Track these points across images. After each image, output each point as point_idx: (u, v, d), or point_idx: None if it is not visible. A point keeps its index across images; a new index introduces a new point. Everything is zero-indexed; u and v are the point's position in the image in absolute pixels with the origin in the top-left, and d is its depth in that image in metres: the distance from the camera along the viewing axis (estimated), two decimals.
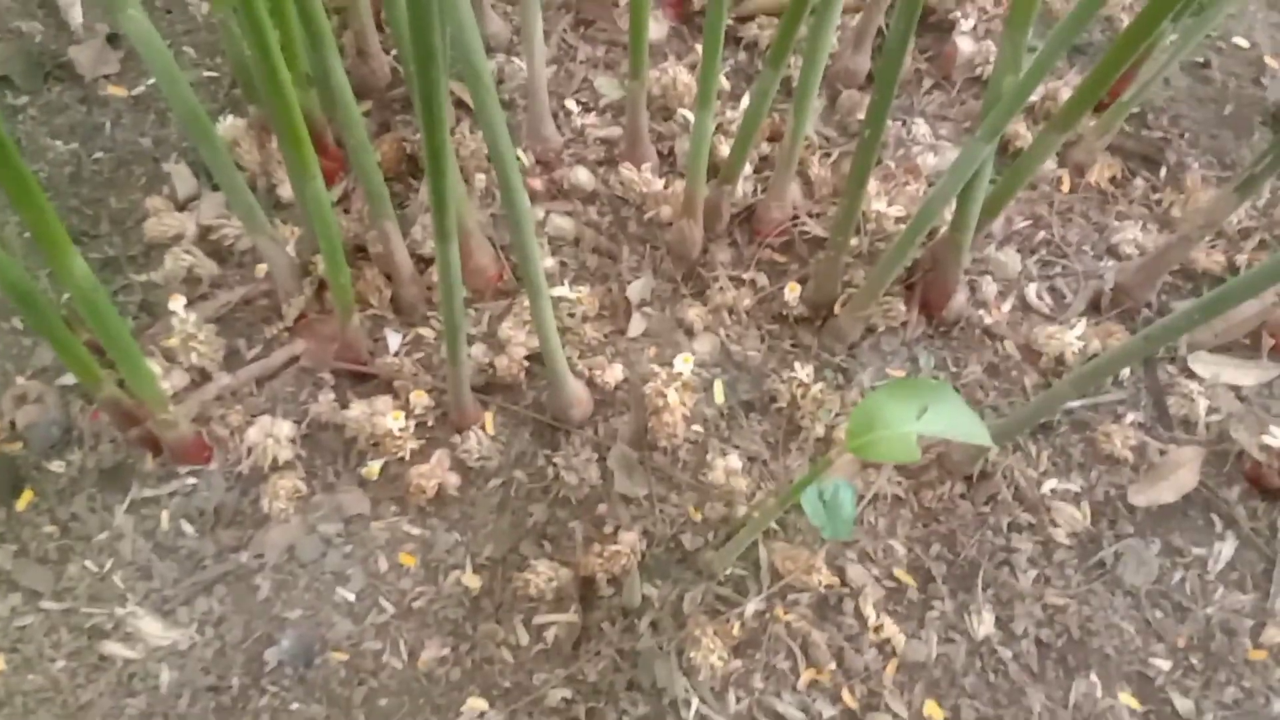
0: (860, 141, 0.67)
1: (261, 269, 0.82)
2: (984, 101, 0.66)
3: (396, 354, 0.79)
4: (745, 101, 0.92)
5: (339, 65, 0.68)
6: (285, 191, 0.87)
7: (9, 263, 0.61)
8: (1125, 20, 0.99)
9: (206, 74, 0.97)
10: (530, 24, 0.81)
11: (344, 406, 0.76)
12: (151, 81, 0.96)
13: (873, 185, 0.84)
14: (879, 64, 0.89)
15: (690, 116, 0.91)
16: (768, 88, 0.72)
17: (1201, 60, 1.00)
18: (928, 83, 0.96)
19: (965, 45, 0.94)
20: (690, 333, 0.82)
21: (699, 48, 0.96)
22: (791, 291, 0.81)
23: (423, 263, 0.82)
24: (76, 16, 1.01)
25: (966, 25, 0.96)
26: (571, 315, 0.80)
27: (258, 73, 0.63)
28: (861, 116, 0.92)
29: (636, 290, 0.83)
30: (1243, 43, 1.02)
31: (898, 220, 0.82)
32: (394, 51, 0.93)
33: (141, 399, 0.69)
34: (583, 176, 0.88)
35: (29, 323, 0.76)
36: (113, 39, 0.99)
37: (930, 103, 0.95)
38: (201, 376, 0.77)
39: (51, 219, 0.58)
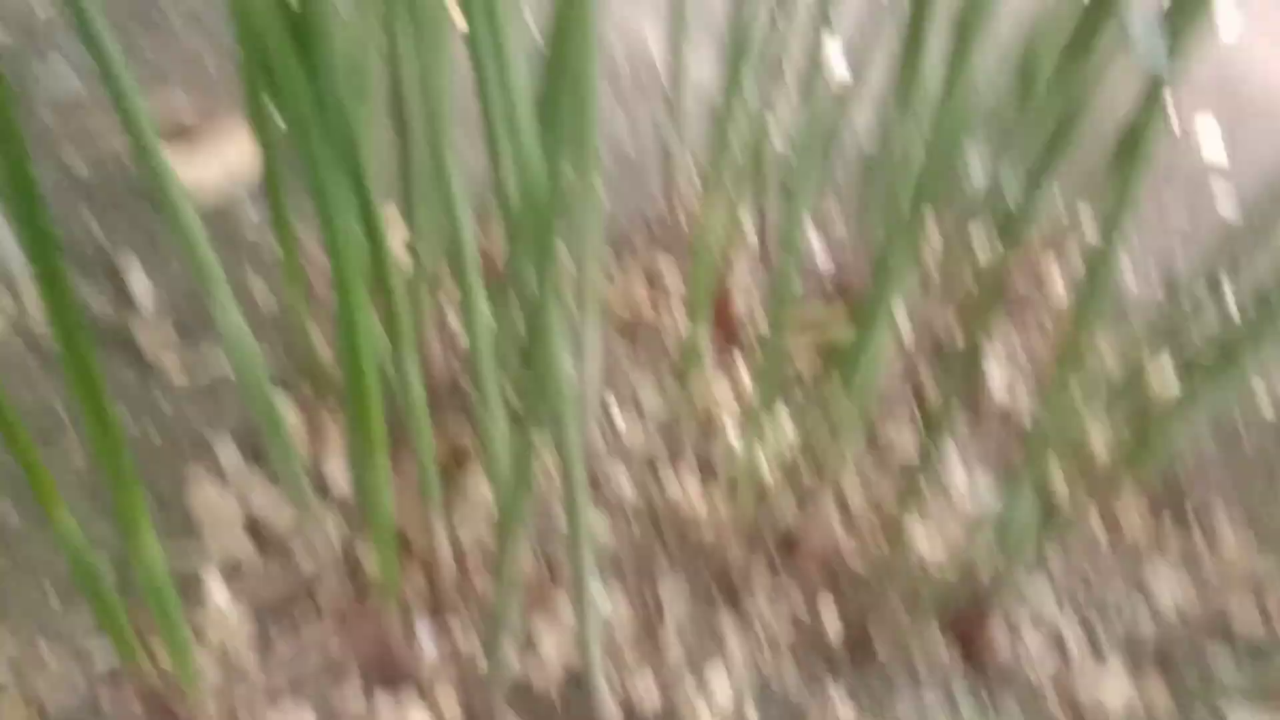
0: (906, 481, 0.75)
1: (302, 553, 0.88)
2: (1027, 449, 0.75)
3: (428, 649, 0.84)
4: (782, 414, 1.01)
5: (416, 366, 0.77)
6: (331, 472, 0.94)
7: (77, 534, 0.67)
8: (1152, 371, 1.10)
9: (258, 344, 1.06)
10: (587, 329, 0.91)
11: (371, 700, 0.80)
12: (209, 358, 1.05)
13: (908, 513, 0.91)
14: (929, 411, 0.99)
15: (731, 428, 1.00)
16: (814, 419, 0.81)
17: (1230, 413, 1.10)
18: (957, 412, 1.05)
19: (996, 381, 1.05)
20: (724, 650, 0.86)
21: (741, 361, 1.06)
22: (828, 617, 0.86)
23: (462, 556, 0.88)
24: (141, 288, 1.12)
25: (997, 360, 1.06)
26: (605, 619, 0.85)
27: (343, 368, 0.71)
28: (897, 447, 1.01)
29: (671, 599, 0.88)
30: (1267, 396, 1.12)
31: (936, 553, 0.89)
32: (448, 336, 1.03)
33: (176, 681, 0.73)
34: (623, 479, 0.96)
35: (82, 591, 0.80)
36: (174, 313, 1.10)
37: (962, 434, 1.03)
38: (232, 658, 0.82)
39: (136, 495, 0.65)
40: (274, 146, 0.83)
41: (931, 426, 0.72)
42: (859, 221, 1.11)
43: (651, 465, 0.98)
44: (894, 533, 0.79)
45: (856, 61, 0.96)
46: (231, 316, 0.72)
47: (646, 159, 1.33)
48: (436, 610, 0.86)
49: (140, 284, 1.12)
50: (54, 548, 0.88)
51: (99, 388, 0.60)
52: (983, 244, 1.12)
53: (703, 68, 1.42)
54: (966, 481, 0.99)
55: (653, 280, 1.16)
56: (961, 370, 0.69)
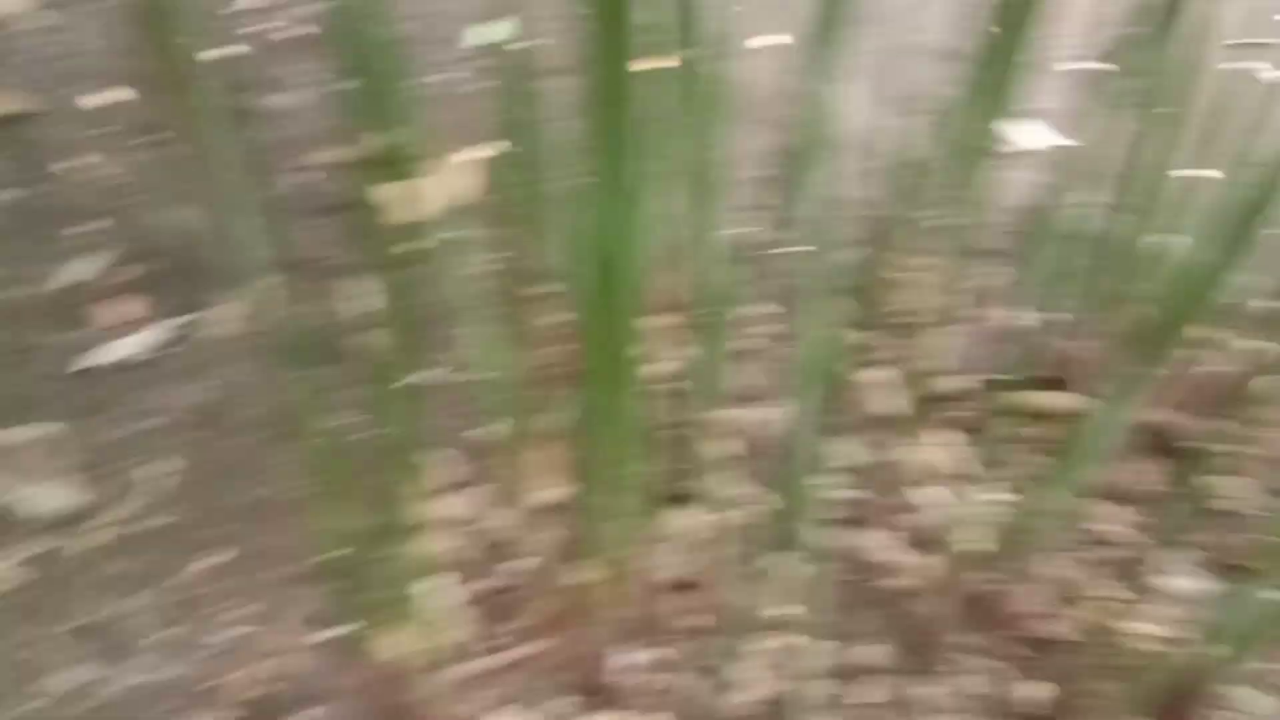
0: (1122, 565, 0.76)
1: (520, 564, 0.94)
2: (1259, 552, 0.75)
3: (636, 671, 0.88)
4: (993, 484, 1.03)
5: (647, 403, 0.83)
6: (548, 482, 1.00)
7: (338, 524, 0.75)
8: None
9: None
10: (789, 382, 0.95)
11: (577, 710, 0.85)
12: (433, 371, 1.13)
13: (1120, 597, 0.92)
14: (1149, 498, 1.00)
15: (931, 493, 1.03)
16: (1028, 494, 0.83)
17: None
18: (1183, 504, 1.05)
19: (1218, 477, 1.04)
20: (920, 711, 0.88)
21: (948, 426, 1.09)
22: (1025, 688, 0.87)
23: (665, 586, 0.93)
24: (370, 308, 1.21)
25: (1220, 455, 1.06)
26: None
27: (593, 403, 0.77)
28: (1109, 526, 1.01)
29: (866, 655, 0.91)
30: None
31: (1146, 640, 0.89)
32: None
33: (403, 665, 0.80)
34: (816, 533, 0.99)
35: (332, 576, 0.88)
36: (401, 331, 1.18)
37: (1182, 525, 1.03)
38: (450, 657, 0.88)
39: (421, 491, 0.72)
40: (524, 183, 0.91)
41: (1157, 515, 0.73)
42: (1083, 300, 1.12)
43: (854, 519, 1.01)
44: (1103, 613, 0.80)
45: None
46: (488, 327, 0.79)
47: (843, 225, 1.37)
48: (642, 633, 0.91)
49: (358, 291, 1.21)
50: (281, 533, 0.97)
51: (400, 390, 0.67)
52: (1223, 346, 1.12)
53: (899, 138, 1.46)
54: (1182, 573, 0.99)
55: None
56: (1191, 466, 0.71)
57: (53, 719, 0.81)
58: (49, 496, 0.94)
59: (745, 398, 1.10)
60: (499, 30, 0.89)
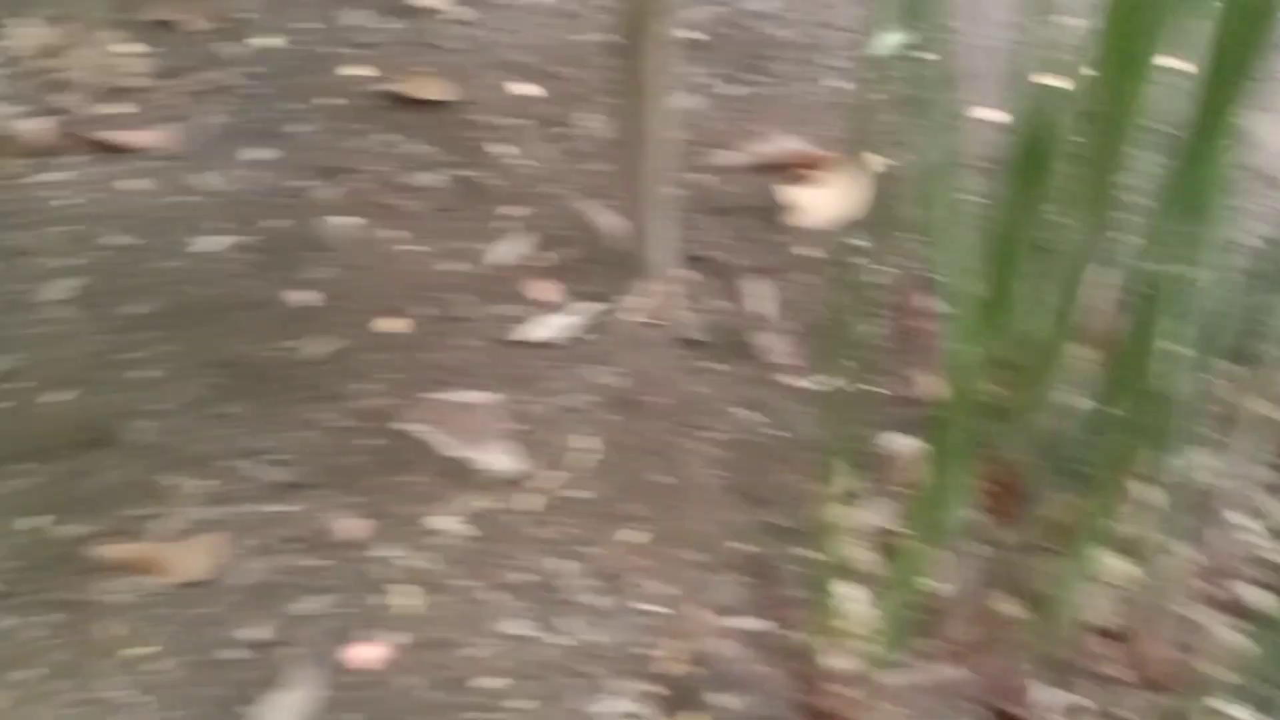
0: None
1: (940, 585, 0.94)
2: None
3: (1056, 712, 0.87)
4: None
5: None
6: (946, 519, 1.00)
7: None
8: None
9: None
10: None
11: None
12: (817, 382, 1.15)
13: None
14: None
15: None
16: None
17: None
18: None
19: None
20: None
21: None
22: None
23: (1092, 630, 0.91)
24: (757, 296, 1.24)
25: None
26: None
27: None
28: None
29: None
30: None
31: None
32: None
33: (829, 675, 0.82)
34: (1253, 595, 0.94)
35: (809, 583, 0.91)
36: (799, 335, 1.21)
37: None
38: (866, 667, 0.89)
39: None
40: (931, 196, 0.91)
41: None
42: None
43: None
44: None
45: None
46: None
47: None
48: (1064, 675, 0.89)
49: (757, 292, 1.24)
50: (695, 519, 1.01)
51: None
52: None
53: None
54: None
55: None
56: None
57: (498, 664, 0.88)
58: (493, 458, 1.02)
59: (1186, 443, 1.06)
60: (898, 39, 0.90)
